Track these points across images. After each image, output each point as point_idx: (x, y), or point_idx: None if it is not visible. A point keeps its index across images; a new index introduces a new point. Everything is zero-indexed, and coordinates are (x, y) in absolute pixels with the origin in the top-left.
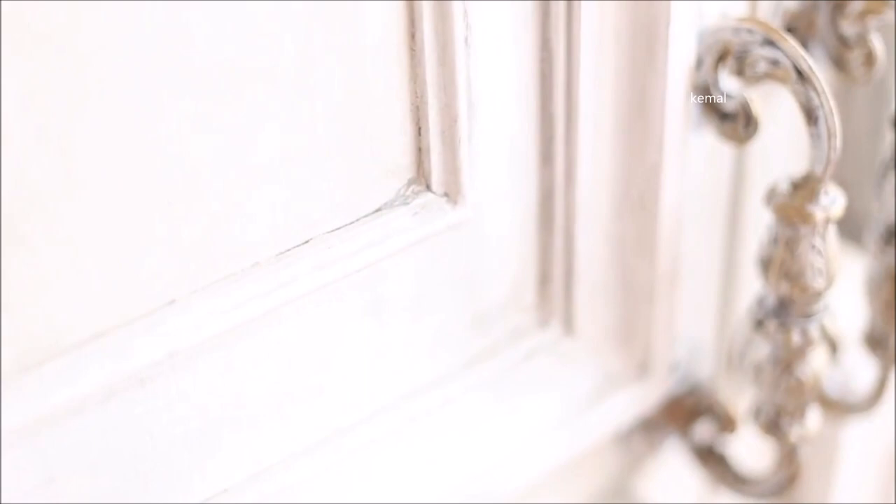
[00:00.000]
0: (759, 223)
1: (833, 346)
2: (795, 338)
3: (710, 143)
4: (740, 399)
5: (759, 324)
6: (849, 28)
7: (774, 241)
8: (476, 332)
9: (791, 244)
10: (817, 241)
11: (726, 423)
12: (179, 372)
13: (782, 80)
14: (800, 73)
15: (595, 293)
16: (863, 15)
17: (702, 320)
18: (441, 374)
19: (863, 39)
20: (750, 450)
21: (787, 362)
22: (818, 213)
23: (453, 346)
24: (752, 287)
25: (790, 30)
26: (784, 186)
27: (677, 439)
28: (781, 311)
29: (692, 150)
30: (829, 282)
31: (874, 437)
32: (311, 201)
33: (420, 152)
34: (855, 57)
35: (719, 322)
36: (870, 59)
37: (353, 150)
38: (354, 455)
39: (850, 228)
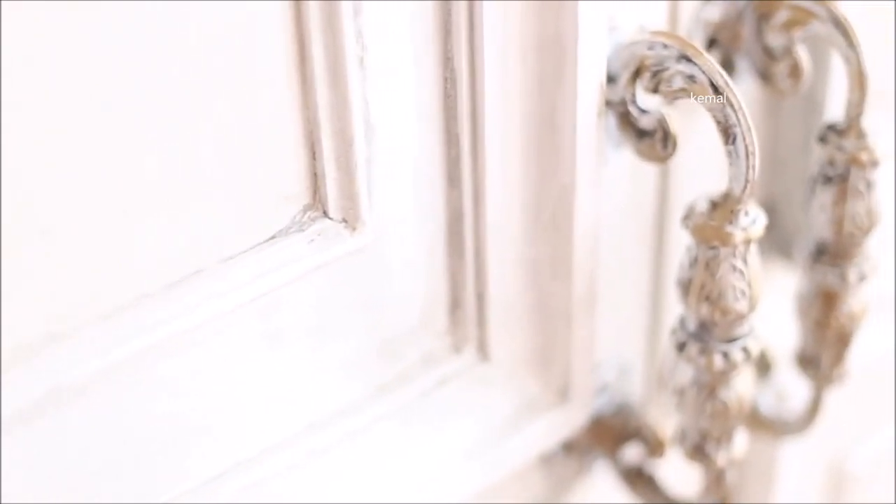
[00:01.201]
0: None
1: (765, 367)
2: (718, 362)
3: (631, 162)
4: (672, 421)
5: (680, 347)
6: (775, 39)
7: (693, 262)
8: (386, 359)
9: (711, 266)
10: (738, 263)
11: (655, 446)
12: (62, 409)
13: (698, 97)
14: (716, 89)
15: (509, 317)
16: (788, 25)
17: (630, 341)
18: (349, 404)
19: (789, 51)
20: (681, 472)
21: (710, 387)
22: (738, 234)
23: (361, 375)
24: (681, 307)
25: (713, 42)
26: (702, 206)
27: (605, 462)
28: (703, 335)
29: (613, 168)
30: (752, 304)
31: (811, 458)
32: (202, 230)
33: (316, 177)
34: (781, 69)
35: (649, 343)
36: (796, 71)
37: (245, 177)
38: (257, 490)
39: (780, 244)
